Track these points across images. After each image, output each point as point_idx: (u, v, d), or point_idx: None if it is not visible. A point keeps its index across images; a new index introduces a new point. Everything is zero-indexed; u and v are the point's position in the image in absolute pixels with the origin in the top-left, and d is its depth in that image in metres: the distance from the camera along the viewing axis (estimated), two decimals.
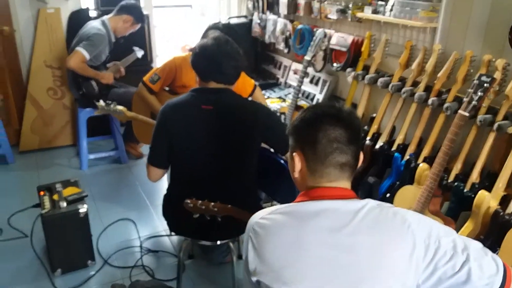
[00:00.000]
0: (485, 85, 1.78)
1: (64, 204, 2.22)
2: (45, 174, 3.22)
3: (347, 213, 1.04)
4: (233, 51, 1.84)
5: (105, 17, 3.24)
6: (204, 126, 1.78)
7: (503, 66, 1.99)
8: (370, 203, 1.06)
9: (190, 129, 1.80)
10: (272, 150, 1.99)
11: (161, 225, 2.74)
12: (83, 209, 2.21)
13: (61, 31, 3.57)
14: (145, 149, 3.76)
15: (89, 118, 3.38)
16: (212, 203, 1.57)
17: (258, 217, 1.10)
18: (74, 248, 2.28)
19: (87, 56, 3.03)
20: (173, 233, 2.65)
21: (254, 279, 1.07)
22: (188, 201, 1.59)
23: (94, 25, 3.13)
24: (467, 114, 1.82)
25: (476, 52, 2.18)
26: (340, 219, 1.03)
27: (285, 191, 2.02)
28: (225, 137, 1.79)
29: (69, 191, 2.33)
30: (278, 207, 1.11)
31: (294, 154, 1.12)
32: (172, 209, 1.95)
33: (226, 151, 1.80)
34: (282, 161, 1.93)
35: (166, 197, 2.02)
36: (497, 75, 2.00)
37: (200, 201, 1.58)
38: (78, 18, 3.57)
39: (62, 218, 2.19)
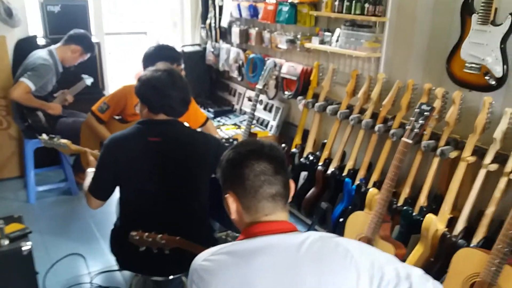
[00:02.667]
0: (426, 113, 1.87)
1: (6, 242, 2.09)
2: None
3: (289, 248, 1.05)
4: (183, 84, 1.84)
5: (53, 47, 3.16)
6: (151, 159, 1.76)
7: (442, 94, 2.11)
8: (311, 235, 1.07)
9: (137, 162, 1.76)
10: None
11: (112, 259, 2.62)
12: (26, 246, 2.09)
13: (6, 60, 3.44)
14: None
15: (36, 148, 3.25)
16: (160, 235, 1.54)
17: (200, 260, 1.09)
18: None
19: (32, 87, 2.93)
20: None
21: None
22: (134, 233, 1.54)
23: (40, 55, 3.05)
24: (410, 141, 1.90)
25: (418, 81, 2.30)
26: (283, 255, 1.03)
27: None
28: (175, 168, 1.77)
29: (11, 227, 2.20)
30: (220, 247, 1.10)
31: (227, 196, 1.14)
32: (120, 244, 1.88)
33: (176, 183, 1.78)
34: None
35: (113, 232, 1.96)
36: (437, 103, 2.11)
37: (146, 233, 1.54)
38: (26, 46, 3.46)
39: (3, 256, 2.06)
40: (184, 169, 1.78)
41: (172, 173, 1.77)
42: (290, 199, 1.17)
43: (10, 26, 3.42)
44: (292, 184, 1.16)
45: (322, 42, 2.77)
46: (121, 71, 5.23)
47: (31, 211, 3.13)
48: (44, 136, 2.29)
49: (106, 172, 1.78)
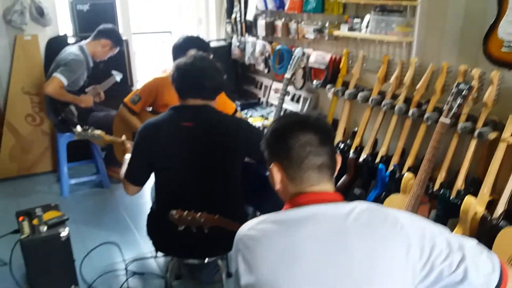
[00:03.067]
0: (464, 92, 1.83)
1: (45, 228, 2.15)
2: (25, 201, 3.12)
3: (337, 217, 1.02)
4: (208, 67, 1.85)
5: (83, 42, 3.23)
6: (185, 143, 1.78)
7: (479, 75, 2.06)
8: (359, 205, 1.05)
9: (171, 147, 1.78)
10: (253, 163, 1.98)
11: (146, 247, 2.68)
12: (64, 232, 2.15)
13: (38, 58, 3.54)
14: None
15: (69, 143, 3.32)
16: (199, 213, 1.54)
17: (246, 229, 1.07)
18: (56, 274, 2.20)
19: (64, 82, 3.00)
20: (159, 254, 2.59)
21: None
22: (174, 212, 1.55)
23: (71, 51, 3.12)
24: (448, 121, 1.86)
25: (452, 63, 2.25)
26: (331, 224, 1.01)
27: (271, 203, 2.00)
28: (208, 153, 1.78)
29: (49, 215, 2.26)
30: (265, 216, 1.09)
31: (271, 166, 1.14)
32: (157, 227, 1.91)
33: (210, 167, 1.79)
34: (267, 173, 1.92)
35: (150, 216, 1.98)
36: (474, 84, 2.06)
37: (186, 212, 1.55)
38: (56, 44, 3.54)
39: (42, 242, 2.11)
40: (217, 152, 1.79)
41: (205, 157, 1.78)
42: (336, 172, 1.15)
43: (42, 25, 3.52)
44: (338, 157, 1.14)
45: (351, 29, 2.75)
46: (147, 69, 5.30)
47: (64, 204, 3.17)
48: (79, 128, 2.34)
49: (141, 158, 1.81)
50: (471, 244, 1.04)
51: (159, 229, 1.90)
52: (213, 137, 1.77)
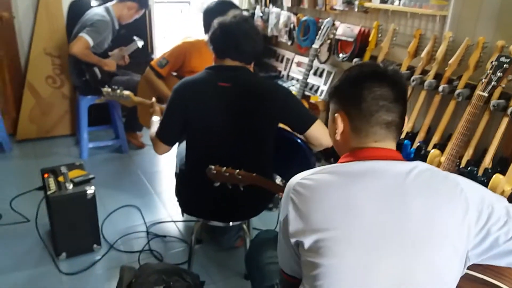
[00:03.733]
0: (505, 65, 1.79)
1: (71, 185, 2.16)
2: (44, 162, 3.13)
3: (397, 174, 1.00)
4: (251, 30, 1.82)
5: (109, 4, 3.19)
6: (221, 104, 1.76)
7: None
8: (420, 165, 1.02)
9: (207, 106, 1.77)
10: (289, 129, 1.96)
11: (166, 212, 2.70)
12: (90, 190, 2.16)
13: (61, 19, 3.51)
14: (146, 139, 3.70)
15: (89, 106, 3.32)
16: (237, 170, 1.53)
17: (299, 178, 1.04)
18: (80, 231, 2.22)
19: (91, 42, 2.98)
20: (180, 218, 2.61)
21: (293, 240, 1.02)
22: (212, 167, 1.54)
23: (97, 12, 3.09)
24: (486, 94, 1.83)
25: (488, 39, 2.20)
26: (390, 180, 0.99)
27: (297, 172, 2.00)
28: (243, 114, 1.76)
29: (74, 173, 2.27)
30: (321, 168, 1.05)
31: (336, 115, 1.09)
32: (187, 187, 1.91)
33: (244, 128, 1.77)
34: (299, 140, 1.91)
35: (180, 175, 1.99)
36: None
37: (224, 168, 1.53)
38: (79, 7, 3.51)
39: (69, 199, 2.13)
40: (252, 115, 1.77)
41: (240, 118, 1.76)
42: (402, 134, 1.11)
43: None
44: (405, 120, 1.10)
45: (383, 1, 2.69)
46: (165, 39, 5.26)
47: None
48: (107, 88, 2.33)
49: (176, 115, 1.79)
50: None
51: (189, 189, 1.90)
52: (249, 99, 1.75)
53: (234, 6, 2.58)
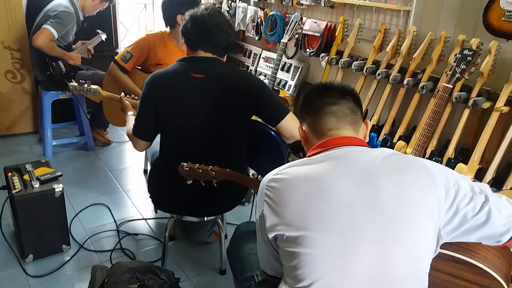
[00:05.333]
0: (468, 58, 1.87)
1: (37, 184, 2.09)
2: (6, 161, 2.99)
3: (365, 158, 1.05)
4: (223, 22, 1.81)
5: None
6: (195, 95, 1.74)
7: (477, 45, 2.10)
8: (385, 150, 1.09)
9: (180, 98, 1.75)
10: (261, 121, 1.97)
11: (136, 210, 2.66)
12: (58, 188, 2.10)
13: (20, 10, 3.36)
14: (112, 136, 3.63)
15: (52, 102, 3.21)
16: (210, 166, 1.53)
17: (271, 175, 1.10)
18: (47, 232, 2.15)
19: (55, 34, 2.88)
20: (151, 215, 2.58)
21: (271, 235, 1.05)
22: (185, 164, 1.53)
23: (61, 2, 2.98)
24: (450, 86, 1.91)
25: (450, 33, 2.29)
26: (359, 164, 1.04)
27: (271, 167, 2.02)
28: (218, 105, 1.75)
29: (41, 171, 2.20)
30: (290, 163, 1.11)
31: (299, 126, 1.25)
32: (160, 183, 1.89)
33: (219, 120, 1.77)
34: (272, 132, 1.92)
35: (152, 172, 1.96)
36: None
37: (197, 164, 1.53)
38: None
39: (35, 198, 2.06)
40: (226, 106, 1.76)
41: (214, 110, 1.75)
42: (366, 138, 1.19)
43: None
44: (367, 122, 1.21)
45: None
46: (128, 34, 5.15)
47: None
48: (74, 82, 2.26)
49: (149, 109, 1.77)
50: (490, 189, 1.08)
51: (162, 185, 1.88)
52: (223, 90, 1.74)
53: None
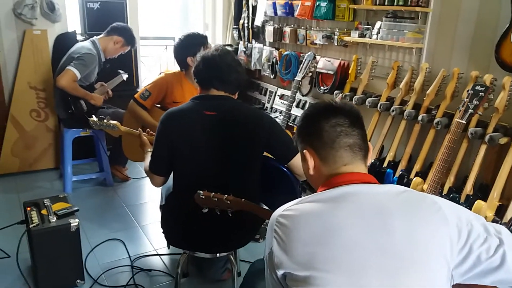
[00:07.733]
0: (480, 94, 1.87)
1: (54, 218, 2.13)
2: (27, 196, 3.08)
3: (375, 196, 1.03)
4: (233, 61, 1.88)
5: (95, 38, 3.24)
6: (207, 132, 1.78)
7: (491, 81, 2.10)
8: (396, 187, 1.06)
9: (193, 135, 1.79)
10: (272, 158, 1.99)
11: (151, 245, 2.66)
12: (74, 223, 2.13)
13: (47, 53, 3.54)
14: (130, 172, 3.68)
15: (73, 139, 3.30)
16: (226, 196, 1.53)
17: (281, 210, 1.07)
18: (62, 266, 2.17)
19: (78, 75, 3.00)
20: (166, 251, 2.57)
21: (280, 272, 1.02)
22: (201, 192, 1.54)
23: (84, 45, 3.13)
24: (464, 121, 1.90)
25: (462, 69, 2.30)
26: (370, 202, 1.02)
27: (283, 200, 2.01)
28: (230, 142, 1.78)
29: (58, 206, 2.24)
30: (300, 199, 1.08)
31: (304, 152, 1.16)
32: (173, 217, 1.90)
33: (231, 156, 1.79)
34: (284, 168, 1.93)
35: (165, 207, 1.98)
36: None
37: (213, 193, 1.54)
38: (65, 41, 3.56)
39: (52, 232, 2.09)
40: (238, 143, 1.79)
41: (226, 147, 1.78)
42: (369, 160, 1.15)
43: (51, 21, 3.54)
44: (370, 146, 1.16)
45: (361, 35, 2.80)
46: (149, 74, 5.32)
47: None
48: (94, 118, 2.34)
49: (164, 146, 1.81)
50: (507, 231, 1.04)
51: (175, 219, 1.89)
52: (235, 127, 1.78)
53: (201, 36, 2.65)
